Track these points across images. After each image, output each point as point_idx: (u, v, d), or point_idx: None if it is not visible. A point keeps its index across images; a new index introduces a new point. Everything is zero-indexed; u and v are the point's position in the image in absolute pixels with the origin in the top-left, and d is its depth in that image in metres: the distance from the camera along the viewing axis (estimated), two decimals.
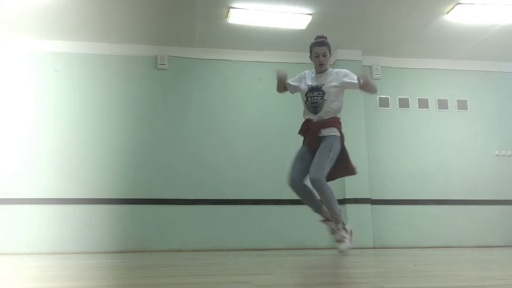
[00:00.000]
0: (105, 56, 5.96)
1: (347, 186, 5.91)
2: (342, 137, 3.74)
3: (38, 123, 5.67)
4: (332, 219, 3.67)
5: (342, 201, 5.94)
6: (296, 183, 3.72)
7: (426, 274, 1.84)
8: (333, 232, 3.69)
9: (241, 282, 1.58)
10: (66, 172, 5.59)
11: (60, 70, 5.85)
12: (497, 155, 6.45)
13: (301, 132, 3.82)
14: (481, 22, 5.48)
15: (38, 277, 1.94)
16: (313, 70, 3.86)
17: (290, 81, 3.93)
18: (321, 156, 3.59)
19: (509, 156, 6.48)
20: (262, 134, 6.04)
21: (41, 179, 5.52)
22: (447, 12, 5.28)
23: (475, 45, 6.14)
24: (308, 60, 6.33)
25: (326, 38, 3.79)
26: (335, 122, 3.72)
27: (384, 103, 6.38)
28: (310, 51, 3.80)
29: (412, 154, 6.28)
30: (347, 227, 3.64)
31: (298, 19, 5.36)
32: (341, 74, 3.74)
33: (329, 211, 3.64)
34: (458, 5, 5.09)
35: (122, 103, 5.88)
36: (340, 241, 3.57)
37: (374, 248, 5.75)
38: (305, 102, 3.79)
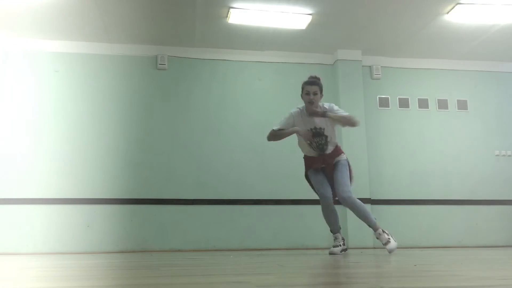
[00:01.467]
0: (105, 56, 5.96)
1: None
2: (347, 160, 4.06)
3: (38, 123, 5.67)
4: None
5: None
6: (331, 200, 3.96)
7: (426, 274, 1.84)
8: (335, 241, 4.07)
9: (241, 282, 1.58)
10: (66, 172, 5.59)
11: (60, 70, 5.85)
12: (497, 155, 6.45)
13: (317, 166, 3.97)
14: (481, 22, 5.48)
15: (38, 277, 1.94)
16: (300, 109, 3.95)
17: (278, 127, 3.98)
18: (343, 176, 3.87)
19: (509, 156, 6.48)
20: (262, 134, 5.99)
21: (41, 179, 5.52)
22: (447, 12, 5.28)
23: (475, 45, 6.14)
24: (308, 60, 6.40)
25: (319, 79, 3.93)
26: (341, 149, 4.05)
27: (384, 103, 6.38)
28: (302, 89, 3.89)
29: (412, 154, 6.28)
30: (386, 231, 3.90)
31: (298, 19, 5.36)
32: (329, 110, 3.88)
33: (365, 221, 3.90)
34: (458, 5, 5.09)
35: (122, 103, 5.88)
36: (387, 242, 3.84)
37: (374, 248, 5.75)
38: (309, 145, 3.95)
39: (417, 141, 6.33)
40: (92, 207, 5.53)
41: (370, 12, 5.29)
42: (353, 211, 3.88)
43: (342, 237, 4.12)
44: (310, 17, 5.33)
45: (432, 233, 6.06)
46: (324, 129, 3.87)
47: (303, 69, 6.15)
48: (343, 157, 3.99)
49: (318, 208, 5.86)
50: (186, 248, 5.56)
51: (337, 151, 3.99)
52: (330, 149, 3.95)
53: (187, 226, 5.66)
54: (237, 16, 5.26)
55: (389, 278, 1.70)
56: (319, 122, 3.87)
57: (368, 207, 5.86)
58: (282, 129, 3.96)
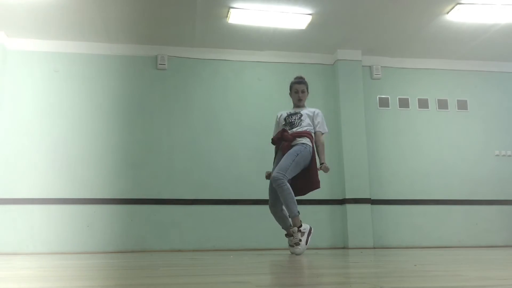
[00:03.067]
0: (105, 56, 5.97)
1: (347, 186, 5.92)
2: (313, 149, 3.98)
3: (38, 123, 5.67)
4: (292, 234, 3.85)
5: (342, 201, 5.94)
6: (275, 210, 4.01)
7: (426, 274, 1.84)
8: (290, 241, 3.90)
9: (241, 282, 1.58)
10: (66, 172, 5.59)
11: (60, 70, 5.85)
12: (497, 155, 6.45)
13: (275, 139, 4.11)
14: (481, 22, 5.49)
15: (38, 277, 1.94)
16: (289, 110, 4.23)
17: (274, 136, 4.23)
18: (286, 158, 3.84)
19: (509, 156, 6.48)
20: (262, 134, 6.02)
21: (41, 179, 5.52)
22: (447, 12, 5.28)
23: (475, 45, 6.14)
24: (308, 60, 6.40)
25: (304, 78, 4.24)
26: (307, 133, 4.01)
27: (384, 103, 6.38)
28: (290, 88, 4.22)
29: (412, 154, 6.28)
30: (303, 228, 3.81)
31: (298, 19, 5.36)
32: (317, 112, 4.12)
33: (287, 211, 3.84)
34: (458, 5, 5.09)
35: (122, 103, 5.88)
36: (295, 244, 3.78)
37: (374, 248, 5.75)
38: (283, 126, 4.11)
39: (417, 141, 6.33)
40: (92, 207, 5.53)
41: (370, 12, 5.30)
42: (279, 195, 3.79)
43: (297, 224, 3.84)
44: (310, 17, 5.34)
45: (432, 233, 6.06)
46: (301, 110, 4.11)
47: (303, 69, 6.15)
48: (303, 140, 3.93)
49: (318, 209, 5.89)
50: (186, 248, 5.56)
51: (302, 132, 3.96)
52: (299, 126, 4.00)
53: (187, 226, 5.66)
54: (237, 16, 5.26)
55: (389, 278, 1.70)
56: (302, 110, 4.11)
57: (368, 207, 5.91)
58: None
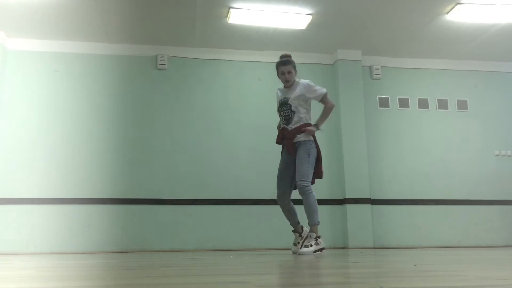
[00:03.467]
0: (105, 56, 5.96)
1: (347, 186, 5.92)
2: (315, 141, 3.98)
3: (38, 123, 5.67)
4: (300, 233, 4.04)
5: (342, 201, 5.94)
6: (283, 202, 4.06)
7: (426, 274, 1.84)
8: (296, 243, 4.02)
9: (241, 282, 1.58)
10: (66, 172, 5.59)
11: (60, 70, 5.85)
12: (497, 155, 6.45)
13: (278, 140, 4.10)
14: (481, 22, 5.49)
15: (38, 277, 1.94)
16: (281, 87, 4.17)
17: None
18: (302, 163, 3.86)
19: (509, 156, 6.48)
20: (262, 134, 6.03)
21: (41, 179, 5.52)
22: (447, 12, 5.28)
23: (475, 45, 6.14)
24: (308, 60, 6.40)
25: (290, 57, 4.10)
26: (307, 127, 3.96)
27: (384, 103, 6.38)
28: (277, 70, 4.08)
29: (412, 154, 6.28)
30: (320, 241, 3.85)
31: (298, 19, 5.36)
32: (303, 87, 4.00)
33: (308, 218, 3.87)
34: (458, 5, 5.09)
35: (122, 103, 5.88)
36: (304, 246, 3.80)
37: (374, 248, 5.75)
38: (280, 116, 4.10)
39: (417, 141, 6.33)
40: (92, 207, 5.53)
41: (370, 12, 5.29)
42: (303, 201, 3.87)
43: (300, 233, 4.05)
44: (310, 17, 5.33)
45: (432, 233, 6.06)
46: (289, 98, 3.99)
47: (303, 69, 6.13)
48: (304, 137, 3.91)
49: (318, 208, 5.87)
50: (186, 248, 5.56)
51: (300, 127, 3.93)
52: (294, 122, 3.95)
53: (187, 226, 5.66)
54: (237, 16, 5.26)
55: (389, 278, 1.70)
56: (291, 94, 4.00)
57: (368, 207, 5.91)
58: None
